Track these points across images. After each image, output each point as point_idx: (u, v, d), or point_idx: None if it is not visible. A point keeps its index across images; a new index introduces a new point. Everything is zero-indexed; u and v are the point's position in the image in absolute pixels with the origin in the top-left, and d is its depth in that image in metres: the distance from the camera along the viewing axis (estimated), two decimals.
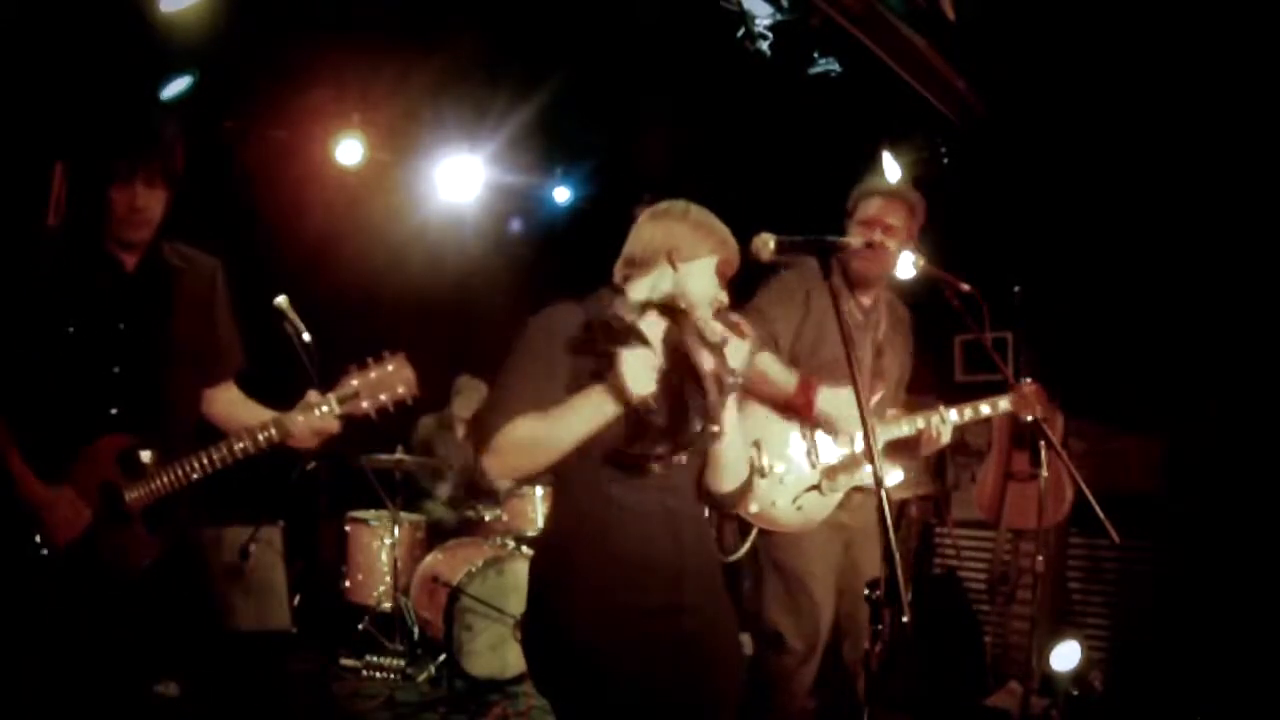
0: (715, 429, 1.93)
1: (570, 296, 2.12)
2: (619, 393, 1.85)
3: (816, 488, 2.99)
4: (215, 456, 2.36)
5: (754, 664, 3.02)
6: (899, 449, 3.14)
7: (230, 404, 2.58)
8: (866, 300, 3.16)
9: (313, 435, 2.45)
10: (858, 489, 3.06)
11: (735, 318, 2.03)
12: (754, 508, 2.94)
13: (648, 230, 2.13)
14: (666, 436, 1.94)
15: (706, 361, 1.95)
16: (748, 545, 3.00)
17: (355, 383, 2.44)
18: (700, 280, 2.10)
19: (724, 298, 2.15)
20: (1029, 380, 3.14)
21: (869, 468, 2.96)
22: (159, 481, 2.32)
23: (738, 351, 1.98)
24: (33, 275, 2.31)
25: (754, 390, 2.96)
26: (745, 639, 3.21)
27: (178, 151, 2.37)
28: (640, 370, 1.85)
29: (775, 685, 3.03)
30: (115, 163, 2.29)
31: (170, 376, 2.41)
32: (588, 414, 1.89)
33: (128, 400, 2.33)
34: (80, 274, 2.33)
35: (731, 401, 2.03)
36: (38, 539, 2.27)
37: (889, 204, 3.08)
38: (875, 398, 3.05)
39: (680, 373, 1.97)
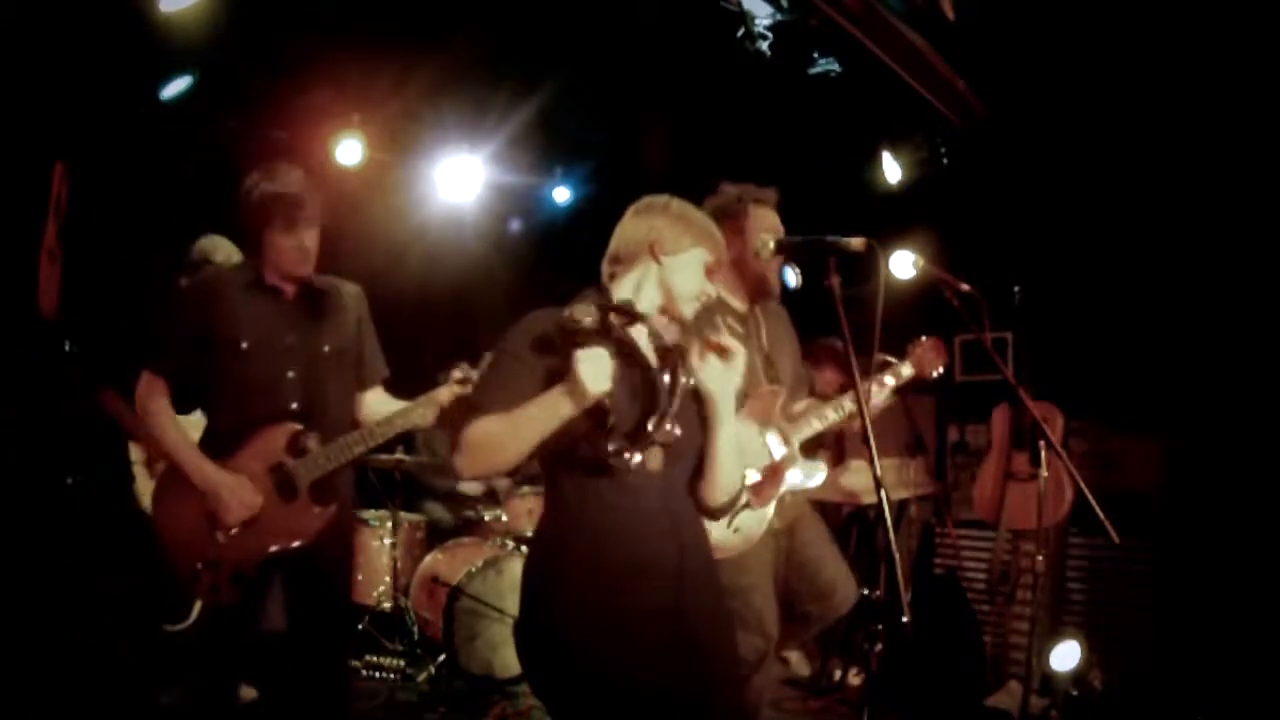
0: (669, 429, 1.93)
1: (561, 301, 2.11)
2: (575, 393, 1.85)
3: (747, 505, 2.94)
4: (379, 431, 2.80)
5: None
6: (816, 445, 3.16)
7: (381, 404, 2.97)
8: (742, 308, 3.17)
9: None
10: (787, 493, 3.05)
11: (720, 339, 2.02)
12: None
13: (630, 226, 2.14)
14: (625, 435, 1.94)
15: (655, 362, 1.99)
16: None
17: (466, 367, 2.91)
18: (685, 275, 2.09)
19: (712, 292, 2.15)
20: (925, 338, 3.20)
21: (792, 473, 2.99)
22: (323, 460, 2.75)
23: (726, 372, 2.00)
24: (217, 307, 2.76)
25: None
26: None
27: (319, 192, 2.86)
28: (594, 370, 1.84)
29: None
30: (280, 215, 2.75)
31: (332, 380, 2.85)
32: (543, 414, 1.88)
33: (302, 398, 2.78)
34: (251, 303, 2.79)
35: (728, 413, 2.04)
36: (208, 521, 2.68)
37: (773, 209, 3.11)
38: (778, 403, 3.04)
39: (639, 373, 1.99)
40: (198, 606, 2.75)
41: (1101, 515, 2.72)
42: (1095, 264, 4.85)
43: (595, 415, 1.91)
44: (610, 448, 1.91)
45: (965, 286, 3.01)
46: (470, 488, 5.43)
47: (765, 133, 5.21)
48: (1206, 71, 4.19)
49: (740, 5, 4.28)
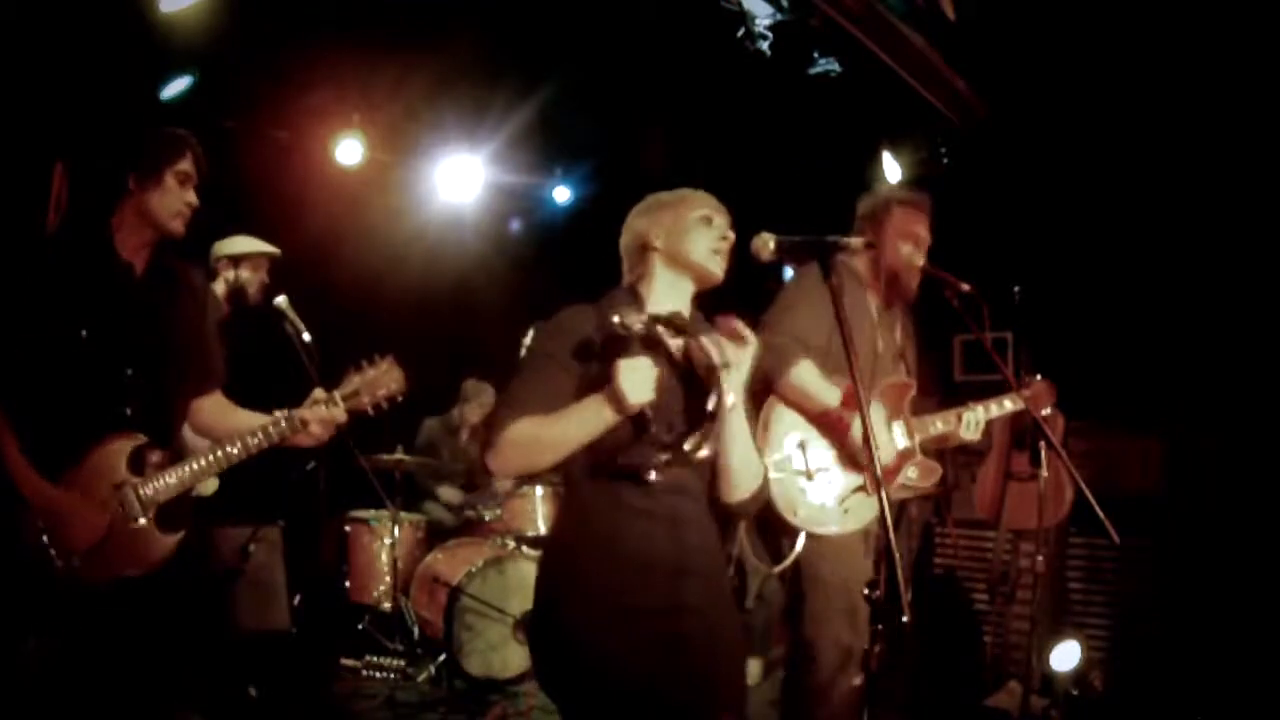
0: (703, 447, 1.93)
1: (581, 299, 2.13)
2: (617, 401, 1.88)
3: (863, 489, 2.93)
4: (231, 450, 2.41)
5: (789, 682, 2.99)
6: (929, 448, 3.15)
7: (220, 412, 2.61)
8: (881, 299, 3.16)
9: (324, 427, 2.50)
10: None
11: (736, 325, 2.02)
12: (801, 513, 2.86)
13: (624, 241, 2.20)
14: (664, 447, 1.95)
15: (707, 377, 1.98)
16: (795, 554, 2.87)
17: (356, 380, 2.53)
18: (690, 237, 2.10)
19: (731, 235, 2.14)
20: (1039, 377, 3.22)
21: (911, 470, 2.99)
22: (171, 480, 2.37)
23: (740, 360, 1.99)
24: (43, 278, 2.35)
25: (792, 403, 2.93)
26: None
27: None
28: (638, 380, 1.87)
29: (814, 699, 2.91)
30: (181, 163, 2.42)
31: (174, 380, 2.48)
32: (586, 420, 1.93)
33: (139, 401, 2.39)
34: (92, 276, 2.37)
35: (740, 413, 2.04)
36: (46, 542, 2.28)
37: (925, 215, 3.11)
38: (909, 396, 3.06)
39: (683, 385, 2.00)
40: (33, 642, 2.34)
41: (1101, 515, 2.72)
42: (1095, 264, 4.85)
43: (636, 424, 1.93)
44: (649, 459, 1.93)
45: (965, 286, 3.01)
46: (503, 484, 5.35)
47: (765, 133, 5.22)
48: (1206, 71, 4.19)
49: (740, 5, 4.29)
